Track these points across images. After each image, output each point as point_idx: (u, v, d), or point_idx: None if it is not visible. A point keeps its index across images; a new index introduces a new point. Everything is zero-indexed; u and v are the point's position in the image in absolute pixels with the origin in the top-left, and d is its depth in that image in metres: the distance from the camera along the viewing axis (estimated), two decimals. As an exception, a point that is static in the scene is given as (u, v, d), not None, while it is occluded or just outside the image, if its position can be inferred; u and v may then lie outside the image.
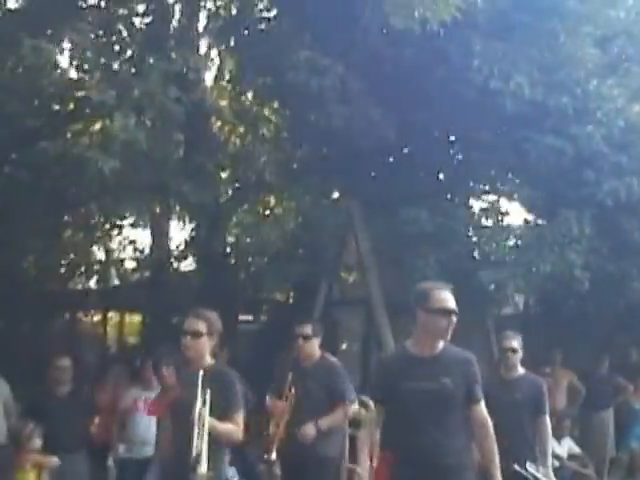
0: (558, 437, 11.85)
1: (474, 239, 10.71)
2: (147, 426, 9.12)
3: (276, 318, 12.77)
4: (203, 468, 5.17)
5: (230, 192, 11.88)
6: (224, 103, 12.08)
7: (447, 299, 5.02)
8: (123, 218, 13.67)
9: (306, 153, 11.67)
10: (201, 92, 10.24)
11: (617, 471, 12.85)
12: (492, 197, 11.51)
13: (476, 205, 11.17)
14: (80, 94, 10.17)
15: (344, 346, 12.77)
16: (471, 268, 10.23)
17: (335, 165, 11.17)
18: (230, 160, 11.60)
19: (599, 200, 10.46)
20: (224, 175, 11.72)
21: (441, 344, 5.03)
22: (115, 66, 10.24)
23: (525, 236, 10.76)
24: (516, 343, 7.40)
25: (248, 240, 11.91)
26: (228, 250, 12.68)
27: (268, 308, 13.80)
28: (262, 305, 13.76)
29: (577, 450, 12.11)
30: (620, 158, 10.63)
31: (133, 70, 10.20)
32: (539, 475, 6.97)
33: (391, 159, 11.00)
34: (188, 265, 13.73)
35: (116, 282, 14.82)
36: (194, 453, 5.20)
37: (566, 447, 11.93)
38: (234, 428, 5.61)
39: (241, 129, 11.77)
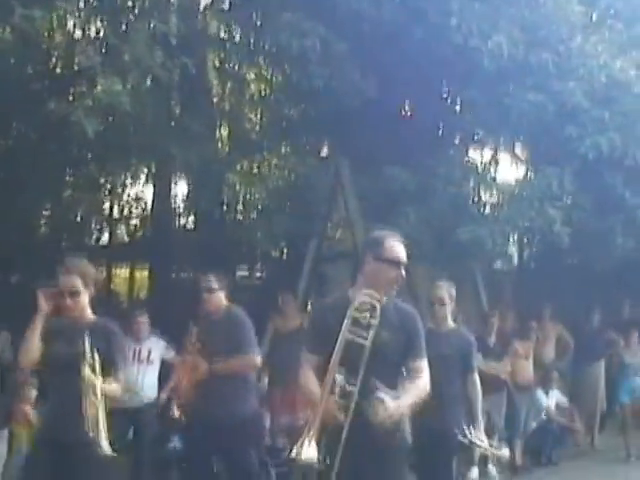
0: (546, 389, 12.12)
1: (455, 195, 10.76)
2: (137, 376, 9.64)
3: (270, 273, 13.09)
4: (106, 446, 5.11)
5: (221, 152, 12.13)
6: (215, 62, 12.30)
7: (400, 250, 4.80)
8: (126, 177, 14.01)
9: (295, 112, 11.86)
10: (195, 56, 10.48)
11: (611, 425, 13.06)
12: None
13: (458, 161, 11.23)
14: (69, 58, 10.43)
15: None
16: (452, 224, 10.39)
17: (323, 124, 11.38)
18: (220, 120, 11.84)
19: (581, 155, 10.54)
20: (215, 135, 11.94)
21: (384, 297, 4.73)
22: (103, 31, 10.47)
23: (505, 192, 10.90)
24: (446, 294, 7.12)
25: (240, 196, 12.14)
26: (224, 208, 12.98)
27: (262, 264, 14.10)
28: (257, 261, 14.06)
29: (565, 402, 12.34)
30: (602, 113, 10.64)
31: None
32: (476, 440, 6.91)
33: (374, 118, 11.13)
34: (191, 222, 14.13)
35: (125, 238, 15.28)
36: (91, 430, 5.09)
37: (554, 399, 12.17)
38: (117, 387, 5.52)
39: (229, 89, 11.98)
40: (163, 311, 11.54)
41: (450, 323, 7.23)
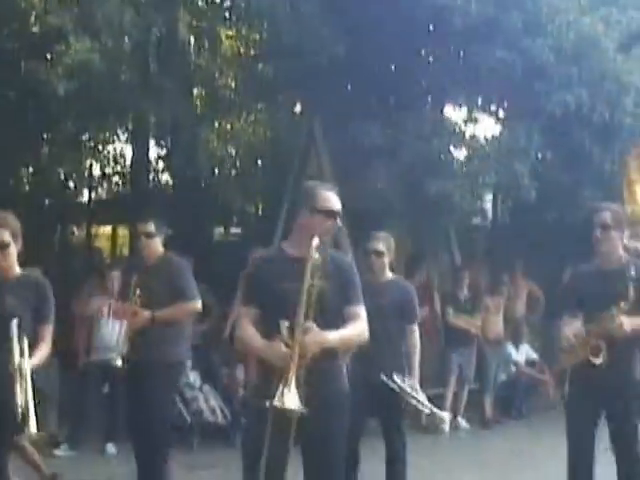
0: (516, 344, 12.36)
1: (424, 150, 10.85)
2: (111, 331, 9.82)
3: (246, 230, 13.23)
4: (33, 428, 4.97)
5: (196, 110, 12.22)
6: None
7: (334, 200, 4.78)
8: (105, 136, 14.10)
9: (268, 71, 11.95)
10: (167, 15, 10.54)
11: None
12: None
13: (428, 117, 11.31)
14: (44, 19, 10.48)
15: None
16: (422, 179, 10.55)
17: (296, 82, 11.49)
18: (194, 79, 11.91)
19: (549, 111, 10.69)
20: (190, 94, 12.01)
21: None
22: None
23: (474, 148, 11.05)
24: (382, 245, 6.96)
25: (216, 154, 12.26)
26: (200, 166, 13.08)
27: (238, 220, 14.23)
28: (233, 218, 14.18)
29: (534, 356, 12.56)
30: (570, 69, 10.78)
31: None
32: (405, 386, 6.87)
33: (346, 75, 11.25)
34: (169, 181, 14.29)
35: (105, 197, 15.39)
36: (20, 411, 4.95)
37: (524, 353, 12.41)
38: (46, 350, 5.39)
39: (203, 48, 12.00)
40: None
41: (388, 274, 7.10)
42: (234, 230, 15.07)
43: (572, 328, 6.01)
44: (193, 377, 10.30)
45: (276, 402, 4.36)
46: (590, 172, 11.19)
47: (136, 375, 6.99)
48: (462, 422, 11.53)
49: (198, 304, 7.14)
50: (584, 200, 11.21)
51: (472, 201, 10.94)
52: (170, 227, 13.97)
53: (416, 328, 7.13)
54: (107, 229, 16.67)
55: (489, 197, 14.13)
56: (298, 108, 12.68)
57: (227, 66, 12.02)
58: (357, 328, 4.79)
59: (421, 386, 10.90)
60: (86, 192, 15.39)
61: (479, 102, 11.44)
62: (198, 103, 12.71)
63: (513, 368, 12.26)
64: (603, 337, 5.76)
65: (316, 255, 4.56)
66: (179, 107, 11.03)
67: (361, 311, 4.82)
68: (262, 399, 4.47)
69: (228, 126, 13.23)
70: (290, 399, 4.36)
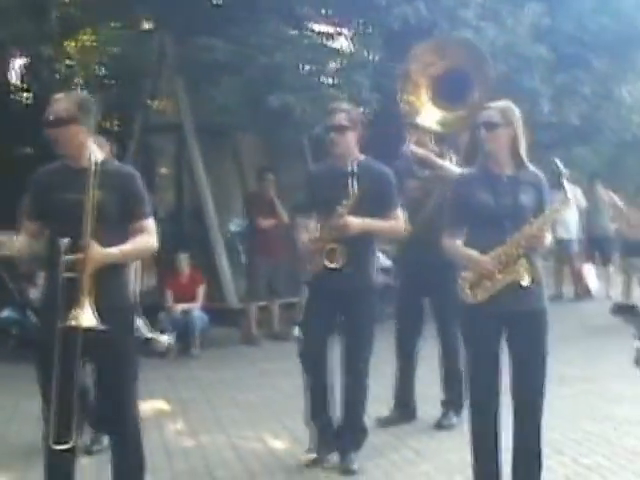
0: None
1: (267, 64, 10.97)
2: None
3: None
4: None
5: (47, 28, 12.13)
6: None
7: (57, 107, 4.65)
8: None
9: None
10: None
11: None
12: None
13: (271, 31, 11.39)
14: None
15: (163, 170, 13.50)
16: (264, 94, 10.73)
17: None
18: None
19: (389, 25, 10.92)
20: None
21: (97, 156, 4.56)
22: None
23: (317, 61, 11.25)
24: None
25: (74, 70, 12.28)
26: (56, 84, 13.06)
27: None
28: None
29: (388, 263, 12.93)
30: (408, -18, 11.02)
31: None
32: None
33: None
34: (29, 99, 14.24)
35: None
36: None
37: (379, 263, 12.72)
38: None
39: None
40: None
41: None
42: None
43: (309, 233, 5.99)
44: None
45: (71, 322, 4.36)
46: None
47: None
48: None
49: None
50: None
51: (317, 114, 11.09)
52: (31, 145, 14.17)
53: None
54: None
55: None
56: (149, 25, 12.71)
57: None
58: (141, 242, 4.73)
59: (277, 296, 11.47)
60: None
61: (322, 16, 11.60)
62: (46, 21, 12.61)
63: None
64: (334, 239, 5.73)
65: (95, 164, 4.49)
66: (26, 25, 10.98)
67: (147, 223, 4.74)
68: (51, 316, 4.50)
69: (81, 43, 13.23)
70: (85, 317, 4.38)
